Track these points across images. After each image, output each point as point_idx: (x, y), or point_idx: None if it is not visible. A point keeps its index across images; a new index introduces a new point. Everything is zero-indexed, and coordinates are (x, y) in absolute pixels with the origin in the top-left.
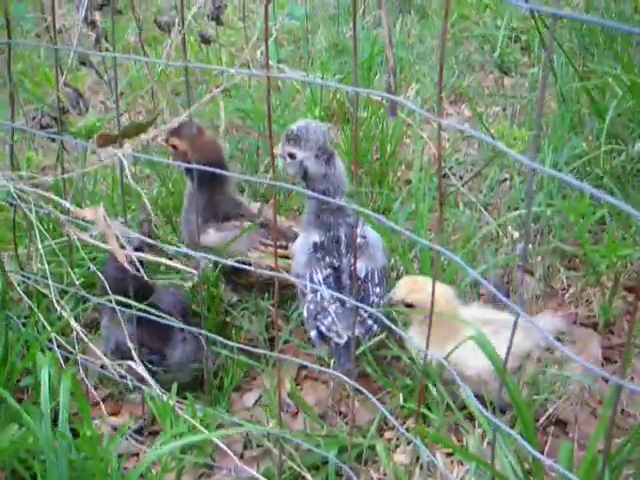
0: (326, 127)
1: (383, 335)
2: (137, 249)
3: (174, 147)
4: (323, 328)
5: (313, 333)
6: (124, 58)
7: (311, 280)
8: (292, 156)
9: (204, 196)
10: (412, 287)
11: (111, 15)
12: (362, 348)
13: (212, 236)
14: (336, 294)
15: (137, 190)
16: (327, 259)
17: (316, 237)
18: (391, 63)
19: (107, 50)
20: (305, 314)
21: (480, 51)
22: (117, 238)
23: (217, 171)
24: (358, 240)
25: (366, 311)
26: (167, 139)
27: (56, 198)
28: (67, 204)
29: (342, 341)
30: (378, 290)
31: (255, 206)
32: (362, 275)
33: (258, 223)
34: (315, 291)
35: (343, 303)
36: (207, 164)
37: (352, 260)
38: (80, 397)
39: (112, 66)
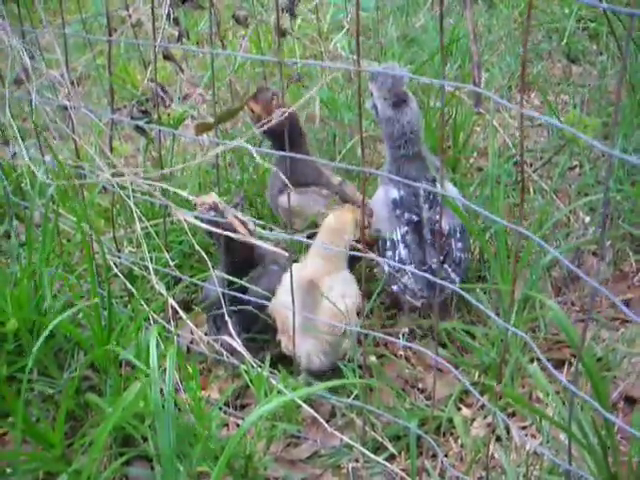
0: (404, 72)
1: None
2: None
3: (252, 111)
4: (401, 286)
5: (395, 287)
6: (224, 54)
7: (390, 237)
8: (372, 94)
9: (285, 160)
10: None
11: (210, 13)
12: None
13: (291, 198)
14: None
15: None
16: (406, 215)
17: (395, 193)
18: (476, 58)
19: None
20: (385, 269)
21: (548, 40)
22: (237, 218)
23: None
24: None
25: (450, 265)
26: (247, 103)
27: (173, 189)
28: (184, 193)
29: (418, 304)
30: (460, 245)
31: (337, 179)
32: (445, 231)
33: (335, 194)
34: (394, 249)
35: (423, 262)
36: (280, 129)
37: (433, 215)
38: (187, 363)
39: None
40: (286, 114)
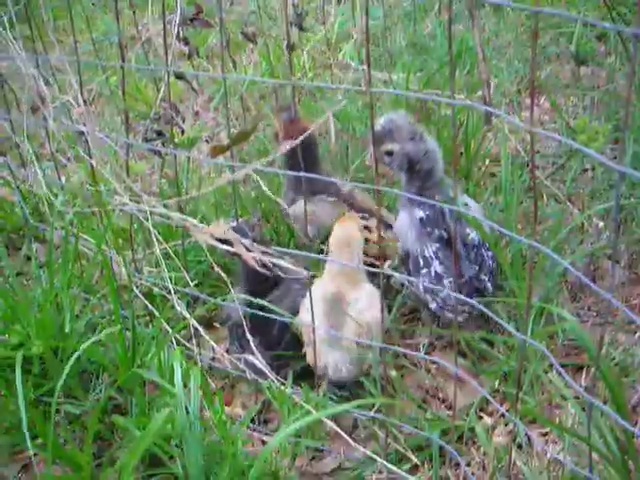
0: (402, 112)
1: None
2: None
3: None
4: (439, 302)
5: (434, 305)
6: (235, 79)
7: (422, 255)
8: (390, 153)
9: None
10: None
11: (221, 35)
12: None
13: (300, 207)
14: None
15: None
16: (436, 232)
17: (420, 212)
18: (485, 76)
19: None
20: (421, 288)
21: (556, 42)
22: (244, 246)
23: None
24: (463, 208)
25: (486, 274)
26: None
27: (185, 217)
28: (196, 222)
29: (460, 318)
30: (491, 253)
31: (346, 188)
32: (476, 242)
33: (342, 201)
34: (428, 266)
35: (460, 275)
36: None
37: (462, 229)
38: (211, 380)
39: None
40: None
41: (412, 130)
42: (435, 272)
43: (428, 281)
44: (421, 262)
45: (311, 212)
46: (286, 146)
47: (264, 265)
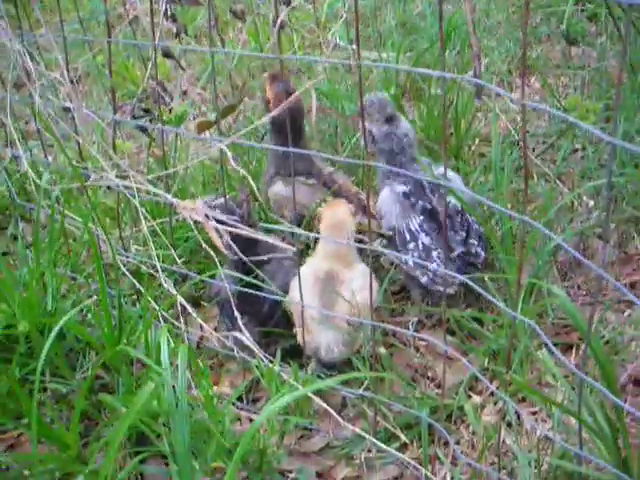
0: (383, 95)
1: None
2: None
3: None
4: (430, 275)
5: (424, 279)
6: (222, 52)
7: (408, 229)
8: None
9: (278, 150)
10: None
11: (208, 10)
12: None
13: (278, 188)
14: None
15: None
16: (420, 203)
17: (402, 187)
18: (476, 50)
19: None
20: (411, 263)
21: (546, 22)
22: (216, 229)
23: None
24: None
25: (474, 238)
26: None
27: (161, 192)
28: (169, 197)
29: (452, 290)
30: (474, 218)
31: (328, 169)
32: (459, 208)
33: (321, 183)
34: (415, 240)
35: (450, 248)
36: (286, 119)
37: (443, 200)
38: (198, 359)
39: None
40: (293, 104)
41: (380, 112)
42: (423, 244)
43: (417, 255)
44: (407, 236)
45: (289, 194)
46: (276, 111)
47: (229, 247)
